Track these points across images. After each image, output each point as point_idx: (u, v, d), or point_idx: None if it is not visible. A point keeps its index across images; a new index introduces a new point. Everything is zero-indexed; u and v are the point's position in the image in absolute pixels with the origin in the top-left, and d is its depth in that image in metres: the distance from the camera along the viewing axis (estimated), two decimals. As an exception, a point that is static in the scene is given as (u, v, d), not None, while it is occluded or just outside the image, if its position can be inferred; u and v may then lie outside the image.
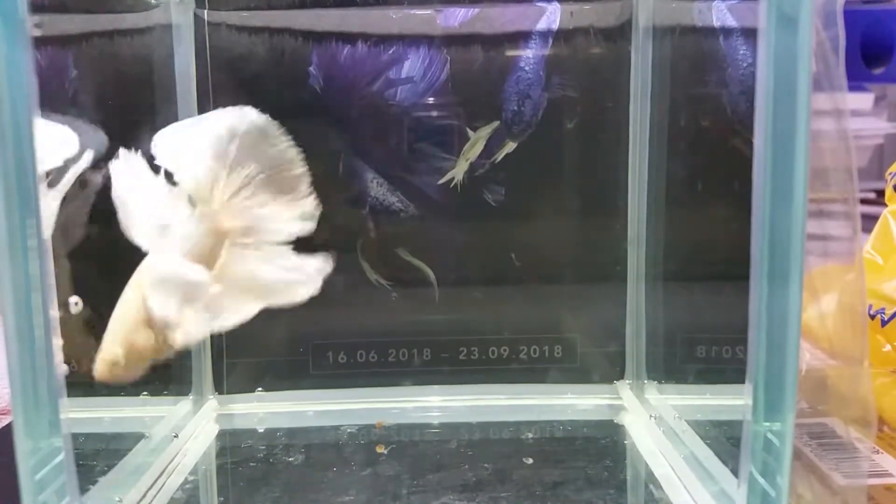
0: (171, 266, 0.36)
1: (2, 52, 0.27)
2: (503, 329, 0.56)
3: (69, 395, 0.31)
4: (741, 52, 0.47)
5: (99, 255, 0.48)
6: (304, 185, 0.38)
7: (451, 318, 0.56)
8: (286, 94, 0.53)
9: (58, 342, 0.30)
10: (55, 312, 0.30)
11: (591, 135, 0.55)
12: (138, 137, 0.52)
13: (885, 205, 0.67)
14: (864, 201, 0.60)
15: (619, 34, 0.54)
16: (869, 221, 0.65)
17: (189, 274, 0.35)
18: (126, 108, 0.51)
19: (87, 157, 0.39)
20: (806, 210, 0.28)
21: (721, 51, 0.48)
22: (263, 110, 0.53)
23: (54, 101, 0.50)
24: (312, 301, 0.56)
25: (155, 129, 0.50)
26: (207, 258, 0.36)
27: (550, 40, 0.54)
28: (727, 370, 0.52)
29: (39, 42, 0.50)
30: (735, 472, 0.33)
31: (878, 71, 0.94)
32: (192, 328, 0.35)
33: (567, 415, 0.54)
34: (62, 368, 0.30)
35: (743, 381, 0.31)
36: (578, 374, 0.56)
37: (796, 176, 0.28)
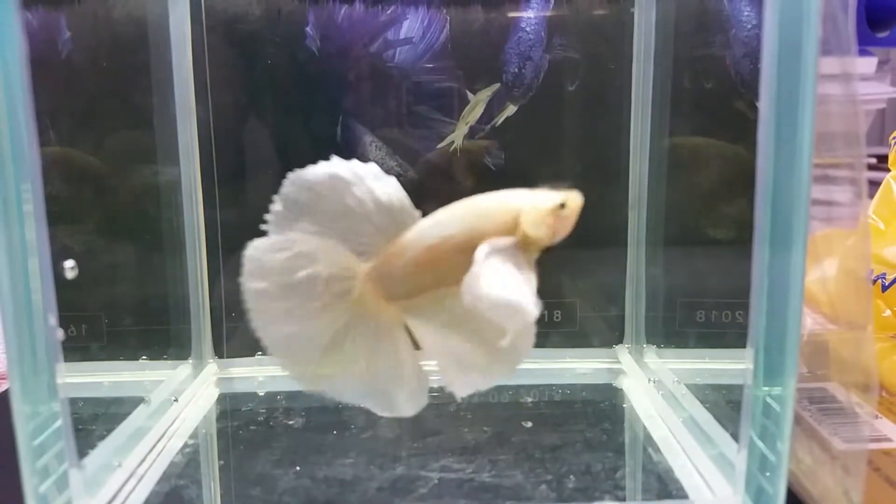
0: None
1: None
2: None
3: (68, 360, 0.31)
4: (746, 12, 0.47)
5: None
6: None
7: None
8: (282, 55, 0.53)
9: (54, 306, 0.30)
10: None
11: (592, 97, 0.54)
12: (132, 99, 0.52)
13: (887, 170, 0.66)
14: (866, 166, 0.59)
15: (622, -6, 0.53)
16: (870, 186, 0.64)
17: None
18: (120, 69, 0.51)
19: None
20: (811, 175, 0.28)
21: (725, 11, 0.48)
22: (259, 72, 0.53)
23: (47, 63, 0.50)
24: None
25: (149, 91, 0.49)
26: None
27: (552, 0, 0.53)
28: (727, 335, 0.52)
29: (31, 2, 0.49)
30: (735, 437, 0.33)
31: (882, 34, 0.92)
32: None
33: (566, 378, 0.54)
34: (59, 333, 0.30)
35: (743, 346, 0.31)
36: (578, 338, 0.56)
37: (802, 140, 0.28)
